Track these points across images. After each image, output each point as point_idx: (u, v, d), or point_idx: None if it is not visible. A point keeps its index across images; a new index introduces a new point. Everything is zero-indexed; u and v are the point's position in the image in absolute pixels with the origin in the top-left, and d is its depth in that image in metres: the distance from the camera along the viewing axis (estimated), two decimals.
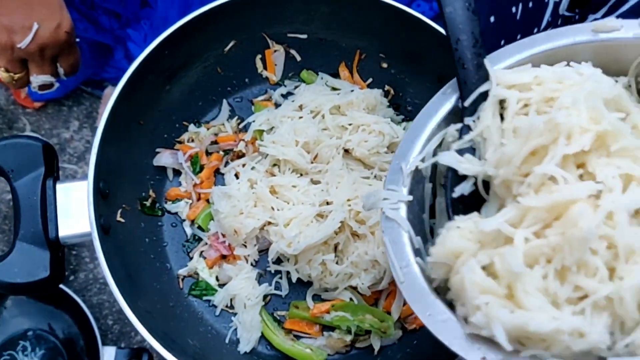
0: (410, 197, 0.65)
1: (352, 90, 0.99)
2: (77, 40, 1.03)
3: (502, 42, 1.23)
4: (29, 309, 1.28)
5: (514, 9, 1.21)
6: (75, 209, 0.81)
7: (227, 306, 0.94)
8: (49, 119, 1.48)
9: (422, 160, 0.67)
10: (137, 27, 1.34)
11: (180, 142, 1.00)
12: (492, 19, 1.19)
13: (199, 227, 0.97)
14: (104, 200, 0.83)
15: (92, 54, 1.42)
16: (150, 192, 0.97)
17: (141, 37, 1.35)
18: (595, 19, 1.38)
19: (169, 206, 0.98)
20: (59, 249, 0.80)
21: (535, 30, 1.29)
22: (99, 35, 1.35)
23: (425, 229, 0.69)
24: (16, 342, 1.26)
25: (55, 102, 1.49)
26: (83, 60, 1.38)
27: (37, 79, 0.99)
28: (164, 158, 0.97)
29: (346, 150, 0.94)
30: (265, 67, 1.03)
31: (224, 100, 1.03)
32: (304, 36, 1.00)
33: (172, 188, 0.99)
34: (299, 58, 1.03)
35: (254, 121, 0.99)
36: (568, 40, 0.66)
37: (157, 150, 0.98)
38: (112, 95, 0.83)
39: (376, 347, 0.91)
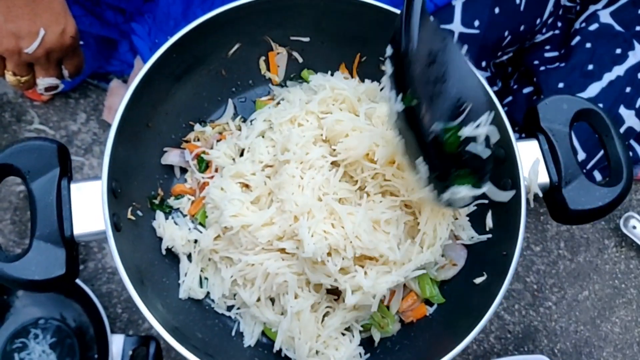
0: None
1: None
2: (81, 43, 1.05)
3: (506, 34, 1.25)
4: (40, 298, 1.31)
5: (517, 0, 1.22)
6: (88, 208, 0.82)
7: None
8: (57, 112, 1.50)
9: None
10: (141, 21, 1.36)
11: (187, 141, 1.02)
12: (496, 10, 1.20)
13: (200, 224, 0.98)
14: (115, 199, 0.85)
15: (97, 48, 1.44)
16: (159, 190, 0.99)
17: (145, 31, 1.37)
18: (596, 10, 1.40)
19: (172, 202, 1.00)
20: (74, 246, 0.82)
21: (538, 20, 1.31)
22: (104, 29, 1.37)
23: None
24: (28, 330, 1.30)
25: (63, 95, 1.51)
26: (89, 54, 1.41)
27: (43, 82, 1.03)
28: (171, 157, 1.00)
29: None
30: (268, 69, 1.05)
31: (229, 100, 1.05)
32: (306, 39, 1.02)
33: (178, 184, 1.01)
34: (301, 60, 1.05)
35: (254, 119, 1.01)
36: None
37: (165, 149, 1.00)
38: (123, 100, 0.85)
39: (376, 339, 0.94)
